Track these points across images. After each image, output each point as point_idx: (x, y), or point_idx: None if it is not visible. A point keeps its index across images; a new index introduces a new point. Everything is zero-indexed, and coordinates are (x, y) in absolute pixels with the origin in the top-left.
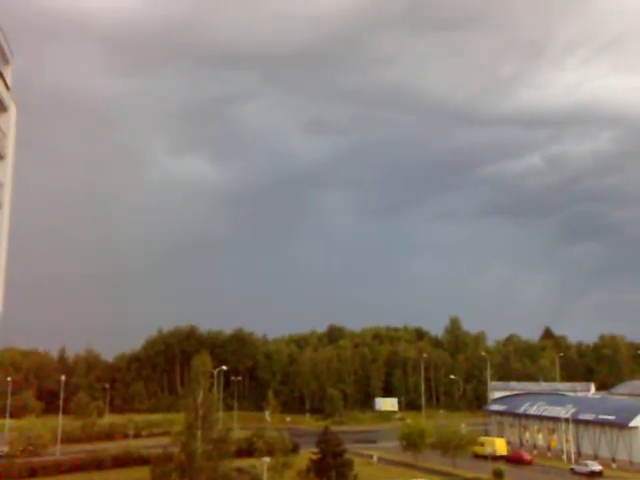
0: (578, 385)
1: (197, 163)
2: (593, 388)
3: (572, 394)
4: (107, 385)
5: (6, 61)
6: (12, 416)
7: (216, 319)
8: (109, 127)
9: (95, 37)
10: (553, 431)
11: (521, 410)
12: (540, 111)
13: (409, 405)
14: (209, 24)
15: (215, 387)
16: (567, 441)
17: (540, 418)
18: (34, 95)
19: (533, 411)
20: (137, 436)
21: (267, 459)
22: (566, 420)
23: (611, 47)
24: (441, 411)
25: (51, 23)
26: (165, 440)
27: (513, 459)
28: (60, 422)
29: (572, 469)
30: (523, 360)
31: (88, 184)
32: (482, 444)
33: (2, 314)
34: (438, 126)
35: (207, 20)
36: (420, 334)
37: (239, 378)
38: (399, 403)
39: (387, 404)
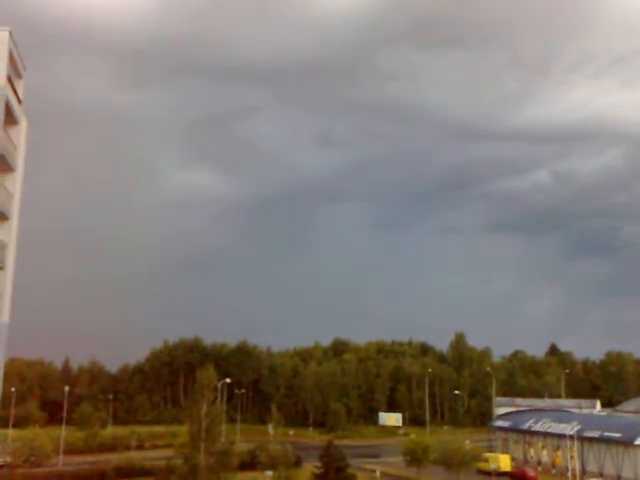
0: (583, 402)
1: (203, 175)
2: (599, 405)
3: (577, 411)
4: (110, 396)
5: (19, 75)
6: (15, 426)
7: (220, 331)
8: (118, 140)
9: (104, 51)
10: (558, 448)
11: (526, 426)
12: (546, 127)
13: (413, 420)
14: (216, 38)
15: (219, 400)
16: (572, 458)
17: (545, 435)
18: (45, 108)
19: (538, 428)
20: (140, 448)
21: (270, 472)
22: (571, 437)
23: (618, 64)
24: (445, 427)
25: (62, 37)
26: (168, 452)
27: (517, 476)
28: (63, 433)
29: None
30: (528, 376)
31: (94, 196)
32: (486, 460)
33: (9, 324)
34: (444, 141)
35: (214, 34)
36: (425, 349)
37: (243, 391)
38: (403, 418)
39: (391, 419)
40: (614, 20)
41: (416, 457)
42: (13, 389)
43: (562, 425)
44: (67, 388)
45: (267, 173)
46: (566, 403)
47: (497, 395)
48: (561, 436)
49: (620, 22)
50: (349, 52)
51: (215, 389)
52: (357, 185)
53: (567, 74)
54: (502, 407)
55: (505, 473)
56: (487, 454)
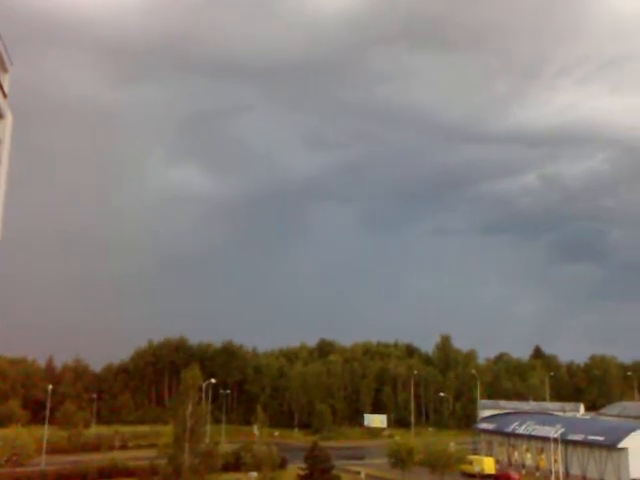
0: (567, 405)
1: (192, 174)
2: (582, 408)
3: (561, 414)
4: (94, 395)
5: (4, 69)
6: None
7: (206, 331)
8: (106, 136)
9: (94, 46)
10: (542, 451)
11: (510, 429)
12: (536, 131)
13: (398, 422)
14: (208, 36)
15: (203, 400)
16: (555, 461)
17: (529, 438)
18: (33, 103)
19: (522, 430)
20: (123, 448)
21: (254, 474)
22: (555, 440)
23: (608, 68)
24: (430, 428)
25: (50, 31)
26: (152, 452)
27: (501, 478)
28: (46, 432)
29: None
30: (513, 379)
31: (81, 193)
32: (470, 463)
33: None
34: (434, 143)
35: (206, 32)
36: (411, 350)
37: (228, 391)
38: (388, 420)
39: (376, 420)
40: (604, 25)
41: (401, 459)
42: None
43: (546, 428)
44: (50, 387)
45: (257, 172)
46: (550, 406)
47: (482, 397)
48: (545, 439)
49: (610, 27)
50: (342, 52)
51: (200, 389)
52: (347, 185)
53: (557, 78)
54: (487, 409)
55: (489, 476)
56: (471, 456)
